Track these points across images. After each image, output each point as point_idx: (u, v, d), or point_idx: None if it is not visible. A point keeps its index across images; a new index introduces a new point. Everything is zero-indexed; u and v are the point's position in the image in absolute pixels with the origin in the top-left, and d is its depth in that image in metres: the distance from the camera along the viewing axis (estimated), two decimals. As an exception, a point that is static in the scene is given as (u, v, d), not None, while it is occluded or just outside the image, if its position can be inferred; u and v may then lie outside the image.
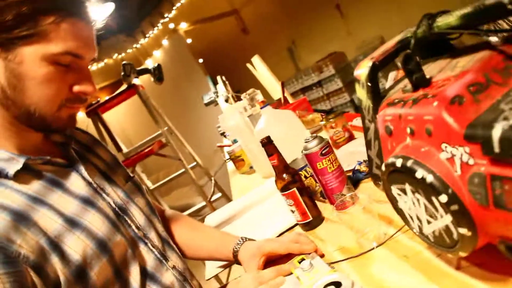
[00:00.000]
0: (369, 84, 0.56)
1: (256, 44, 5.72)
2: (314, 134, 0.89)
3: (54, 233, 0.63)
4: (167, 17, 6.50)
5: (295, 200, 0.87)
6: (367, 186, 0.96)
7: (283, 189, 0.88)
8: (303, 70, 5.22)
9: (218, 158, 4.71)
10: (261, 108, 1.34)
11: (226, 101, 3.10)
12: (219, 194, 2.75)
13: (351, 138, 1.34)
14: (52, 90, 0.66)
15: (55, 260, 0.61)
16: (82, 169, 0.76)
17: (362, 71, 0.58)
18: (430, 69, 0.53)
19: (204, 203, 2.56)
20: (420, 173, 0.44)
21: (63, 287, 0.61)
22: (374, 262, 0.66)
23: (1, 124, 0.68)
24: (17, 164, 0.65)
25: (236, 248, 0.86)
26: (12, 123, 0.68)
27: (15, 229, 0.59)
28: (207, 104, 3.23)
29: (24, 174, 0.66)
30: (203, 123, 4.92)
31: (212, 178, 2.78)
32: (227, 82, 3.24)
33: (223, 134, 3.11)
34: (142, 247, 0.78)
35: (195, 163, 2.78)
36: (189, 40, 4.90)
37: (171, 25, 5.12)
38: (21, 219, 0.61)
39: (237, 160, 1.75)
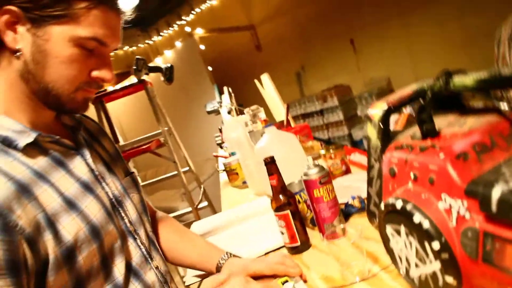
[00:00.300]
0: (381, 125, 0.59)
1: (266, 62, 5.81)
2: (316, 162, 0.91)
3: (52, 211, 0.64)
4: (184, 20, 6.60)
5: (287, 222, 0.89)
6: (356, 221, 0.98)
7: (277, 210, 0.90)
8: (307, 97, 5.29)
9: (208, 167, 4.72)
10: (265, 126, 1.36)
11: (229, 112, 3.13)
12: (206, 203, 2.75)
13: (347, 171, 1.37)
14: (72, 71, 0.68)
15: (48, 238, 0.62)
16: (87, 154, 0.78)
17: (376, 111, 0.61)
18: (439, 122, 0.56)
19: (189, 209, 2.55)
20: (417, 218, 0.47)
21: (50, 265, 0.61)
22: (355, 296, 0.68)
23: (18, 96, 0.69)
24: (28, 137, 0.66)
25: (220, 263, 0.87)
26: (29, 98, 0.69)
27: (17, 200, 0.60)
28: (209, 112, 3.26)
29: (32, 149, 0.67)
30: (201, 130, 4.94)
31: (202, 186, 2.79)
32: (232, 94, 3.28)
33: (219, 144, 3.13)
34: (130, 242, 0.79)
35: (187, 168, 2.78)
36: (202, 46, 4.96)
37: (188, 29, 5.19)
38: (24, 191, 0.62)
39: (231, 172, 1.77)
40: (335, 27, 4.87)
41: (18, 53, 0.65)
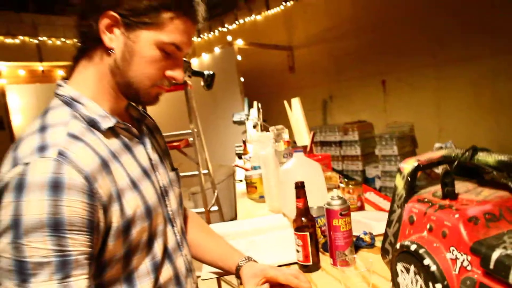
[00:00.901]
0: (409, 179, 0.70)
1: (296, 84, 5.96)
2: (340, 195, 1.02)
3: (121, 186, 0.76)
4: (227, 27, 6.82)
5: (304, 242, 1.00)
6: (365, 255, 1.08)
7: (297, 229, 1.00)
8: (329, 126, 5.41)
9: (220, 173, 4.83)
10: (295, 151, 1.47)
11: (254, 127, 3.26)
12: (216, 207, 2.86)
13: (361, 208, 1.47)
14: (152, 69, 0.80)
15: (115, 209, 0.73)
16: (148, 144, 0.90)
17: (406, 166, 0.72)
18: (459, 186, 0.67)
19: (202, 210, 2.66)
20: (427, 261, 0.57)
21: (111, 233, 0.72)
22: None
23: (105, 87, 0.81)
24: (109, 122, 0.79)
25: (241, 263, 0.97)
26: (113, 89, 0.82)
27: (100, 172, 0.71)
28: (235, 122, 3.40)
29: (109, 132, 0.80)
30: (220, 136, 5.07)
31: (216, 190, 2.90)
32: (261, 110, 3.41)
33: (239, 154, 3.25)
34: (169, 228, 0.90)
35: (206, 170, 2.90)
36: (239, 57, 5.13)
37: (229, 37, 5.39)
38: (104, 166, 0.73)
39: (251, 185, 1.88)
40: (368, 66, 5.00)
41: (111, 51, 0.78)
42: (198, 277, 1.04)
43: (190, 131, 2.49)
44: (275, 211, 1.61)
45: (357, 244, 1.11)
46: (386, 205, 1.44)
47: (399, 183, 0.73)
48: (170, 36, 0.77)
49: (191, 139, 2.51)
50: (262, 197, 1.83)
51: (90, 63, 0.80)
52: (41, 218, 0.62)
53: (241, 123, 3.35)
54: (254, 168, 2.00)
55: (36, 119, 0.76)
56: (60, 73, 6.79)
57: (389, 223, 0.75)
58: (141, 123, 0.94)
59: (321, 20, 5.56)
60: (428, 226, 0.62)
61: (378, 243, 1.11)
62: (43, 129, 0.72)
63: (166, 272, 0.86)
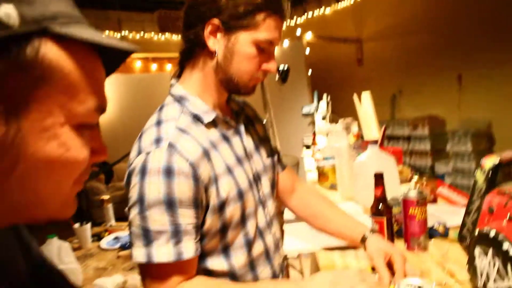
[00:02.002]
0: (489, 174, 0.77)
1: (365, 78, 5.88)
2: (417, 188, 1.09)
3: (218, 172, 0.89)
4: (295, 21, 6.87)
5: (380, 227, 1.09)
6: (438, 243, 1.14)
7: (374, 215, 1.10)
8: (397, 120, 5.29)
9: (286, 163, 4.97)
10: (369, 144, 1.55)
11: (323, 119, 3.34)
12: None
13: (434, 201, 1.51)
14: (250, 65, 0.91)
15: (213, 190, 0.87)
16: (244, 135, 1.02)
17: (488, 162, 0.79)
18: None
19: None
20: (506, 246, 0.65)
21: (209, 210, 0.87)
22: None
23: (209, 84, 0.95)
24: (210, 116, 0.92)
25: (367, 234, 1.02)
26: (216, 85, 0.95)
27: (202, 159, 0.86)
28: (304, 115, 3.49)
29: (210, 124, 0.93)
30: (285, 128, 5.19)
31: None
32: (330, 102, 3.47)
33: (307, 146, 3.36)
34: (260, 210, 1.02)
35: (276, 159, 3.04)
36: (307, 50, 5.19)
37: (298, 31, 5.47)
38: (205, 154, 0.88)
39: (323, 174, 1.98)
40: (442, 60, 4.79)
41: (214, 54, 0.91)
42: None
43: (265, 120, 2.64)
44: (347, 199, 1.70)
45: (431, 234, 1.17)
46: (460, 199, 1.47)
47: (480, 177, 0.80)
48: (264, 33, 0.88)
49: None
50: (333, 186, 1.92)
51: (196, 66, 0.94)
52: (159, 196, 0.79)
53: (310, 115, 3.44)
54: (326, 158, 2.09)
55: (154, 113, 0.93)
56: (138, 64, 7.32)
57: (467, 213, 0.82)
58: (239, 115, 1.05)
59: (392, 13, 5.41)
60: (507, 216, 0.69)
61: (452, 234, 1.16)
62: (159, 123, 0.89)
63: (258, 247, 0.99)
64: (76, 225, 2.00)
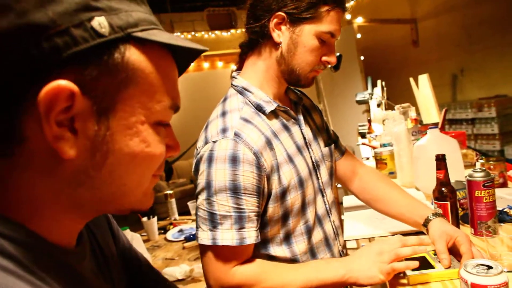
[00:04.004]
0: None
1: (421, 59, 5.58)
2: (483, 168, 1.04)
3: (280, 160, 0.92)
4: (348, 7, 6.67)
5: (444, 211, 1.05)
6: (509, 228, 1.08)
7: (437, 199, 1.06)
8: (459, 102, 4.97)
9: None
10: (429, 127, 1.49)
11: (378, 105, 3.24)
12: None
13: (504, 185, 1.42)
14: (312, 57, 0.93)
15: (275, 178, 0.90)
16: (303, 124, 1.04)
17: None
18: None
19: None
20: None
21: (272, 197, 0.90)
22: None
23: (271, 75, 0.97)
24: (272, 106, 0.95)
25: (430, 217, 0.98)
26: (277, 76, 0.97)
27: (265, 148, 0.89)
28: (358, 102, 3.42)
29: (272, 115, 0.96)
30: (339, 116, 5.10)
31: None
32: (385, 88, 3.36)
33: (363, 134, 3.28)
34: (319, 197, 1.04)
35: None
36: (358, 35, 5.04)
37: (348, 16, 5.31)
38: (268, 143, 0.91)
39: (381, 161, 1.94)
40: (509, 32, 4.41)
41: (279, 45, 0.94)
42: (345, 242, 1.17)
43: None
44: (407, 186, 1.65)
45: (501, 218, 1.11)
46: (534, 182, 1.37)
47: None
48: (327, 26, 0.90)
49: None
50: (392, 173, 1.88)
51: (259, 57, 0.97)
52: (225, 183, 0.83)
53: (364, 102, 3.36)
54: (384, 145, 2.04)
55: (218, 105, 0.98)
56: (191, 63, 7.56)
57: (540, 192, 0.77)
58: (298, 105, 1.07)
59: (450, -14, 5.07)
60: None
61: (525, 218, 1.09)
62: (223, 114, 0.93)
63: (317, 235, 1.01)
64: (144, 219, 2.14)
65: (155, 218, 2.16)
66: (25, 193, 0.40)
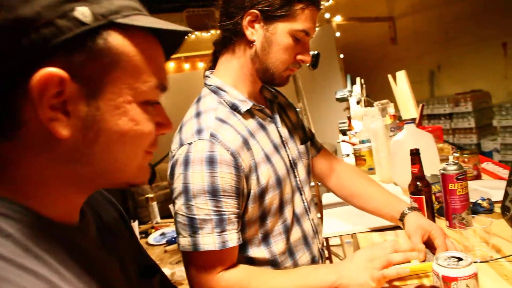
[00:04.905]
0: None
1: (399, 57, 5.66)
2: (456, 161, 1.06)
3: (257, 160, 0.91)
4: (323, 4, 6.72)
5: (419, 205, 1.07)
6: (483, 220, 1.09)
7: (413, 193, 1.08)
8: (437, 98, 5.06)
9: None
10: (406, 123, 1.51)
11: (358, 103, 3.27)
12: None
13: (477, 177, 1.45)
14: (286, 55, 0.92)
15: (253, 178, 0.89)
16: (279, 122, 1.03)
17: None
18: None
19: (311, 184, 2.82)
20: (549, 213, 0.62)
21: (250, 198, 0.89)
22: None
23: (245, 74, 0.96)
24: (247, 105, 0.94)
25: (406, 211, 0.99)
26: (252, 75, 0.96)
27: (242, 148, 0.88)
28: (338, 100, 3.43)
29: (247, 114, 0.95)
30: (320, 114, 5.13)
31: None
32: (364, 86, 3.39)
33: (343, 131, 3.31)
34: (297, 196, 1.03)
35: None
36: (337, 34, 5.08)
37: (327, 15, 5.35)
38: (245, 143, 0.89)
39: (360, 158, 1.95)
40: (485, 29, 4.49)
41: (252, 43, 0.92)
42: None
43: (298, 109, 2.63)
44: (386, 181, 1.67)
45: (475, 210, 1.13)
46: (506, 174, 1.40)
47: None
48: (301, 24, 0.89)
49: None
50: (371, 169, 1.89)
51: (233, 56, 0.95)
52: (203, 185, 0.81)
53: (344, 100, 3.38)
54: (362, 142, 2.06)
55: (192, 105, 0.96)
56: (171, 65, 7.49)
57: (509, 182, 0.79)
58: (273, 103, 1.07)
59: (426, -16, 5.16)
60: (550, 182, 0.66)
61: (497, 209, 1.11)
62: (198, 114, 0.91)
63: (296, 234, 1.00)
64: (124, 223, 2.10)
65: (136, 223, 2.13)
66: (26, 173, 0.44)
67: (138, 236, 2.11)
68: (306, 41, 0.94)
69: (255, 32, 0.91)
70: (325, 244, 2.46)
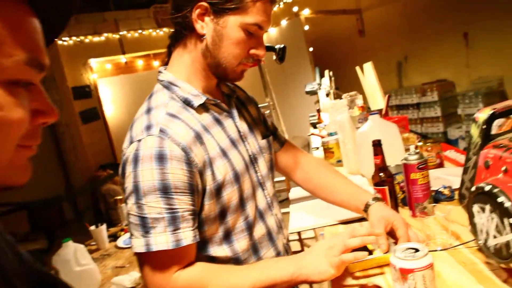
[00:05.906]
0: (484, 127, 0.74)
1: (367, 48, 5.75)
2: (417, 150, 1.06)
3: (212, 155, 0.89)
4: (291, -1, 6.73)
5: (383, 196, 1.07)
6: (444, 207, 1.11)
7: (376, 184, 1.08)
8: (405, 88, 5.17)
9: (296, 143, 4.95)
10: (370, 114, 1.52)
11: (327, 95, 3.29)
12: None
13: (440, 165, 1.48)
14: (238, 50, 0.90)
15: (208, 174, 0.87)
16: (236, 117, 1.01)
17: (482, 115, 0.75)
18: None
19: (282, 178, 2.81)
20: (501, 199, 0.62)
21: (206, 194, 0.86)
22: (436, 260, 0.84)
23: (197, 68, 0.93)
24: (200, 100, 0.91)
25: (370, 202, 1.00)
26: (204, 70, 0.94)
27: (194, 143, 0.85)
28: (308, 93, 3.44)
29: (201, 108, 0.92)
30: (292, 108, 5.15)
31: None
32: (333, 78, 3.41)
33: (314, 124, 3.32)
34: (259, 191, 1.02)
35: (283, 141, 3.02)
36: (306, 27, 5.10)
37: (295, 8, 5.36)
38: (198, 138, 0.87)
39: (328, 151, 1.96)
40: (447, 19, 4.62)
41: (203, 37, 0.90)
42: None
43: (266, 104, 2.62)
44: (353, 173, 1.68)
45: (437, 198, 1.15)
46: (468, 161, 1.43)
47: (475, 132, 0.77)
48: (253, 17, 0.87)
49: (268, 111, 2.64)
50: (339, 161, 1.90)
51: (184, 50, 0.93)
52: (154, 183, 0.78)
53: (314, 93, 3.38)
54: (330, 134, 2.07)
55: (144, 102, 0.92)
56: (140, 62, 7.33)
57: (465, 170, 0.79)
58: (231, 98, 1.04)
59: (391, -24, 5.24)
60: (503, 168, 0.67)
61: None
62: (148, 110, 0.88)
63: (259, 230, 0.98)
64: (92, 227, 2.03)
65: (104, 226, 2.06)
66: None
67: (107, 240, 2.05)
68: (259, 35, 0.92)
69: (205, 26, 0.88)
70: (296, 238, 2.47)
